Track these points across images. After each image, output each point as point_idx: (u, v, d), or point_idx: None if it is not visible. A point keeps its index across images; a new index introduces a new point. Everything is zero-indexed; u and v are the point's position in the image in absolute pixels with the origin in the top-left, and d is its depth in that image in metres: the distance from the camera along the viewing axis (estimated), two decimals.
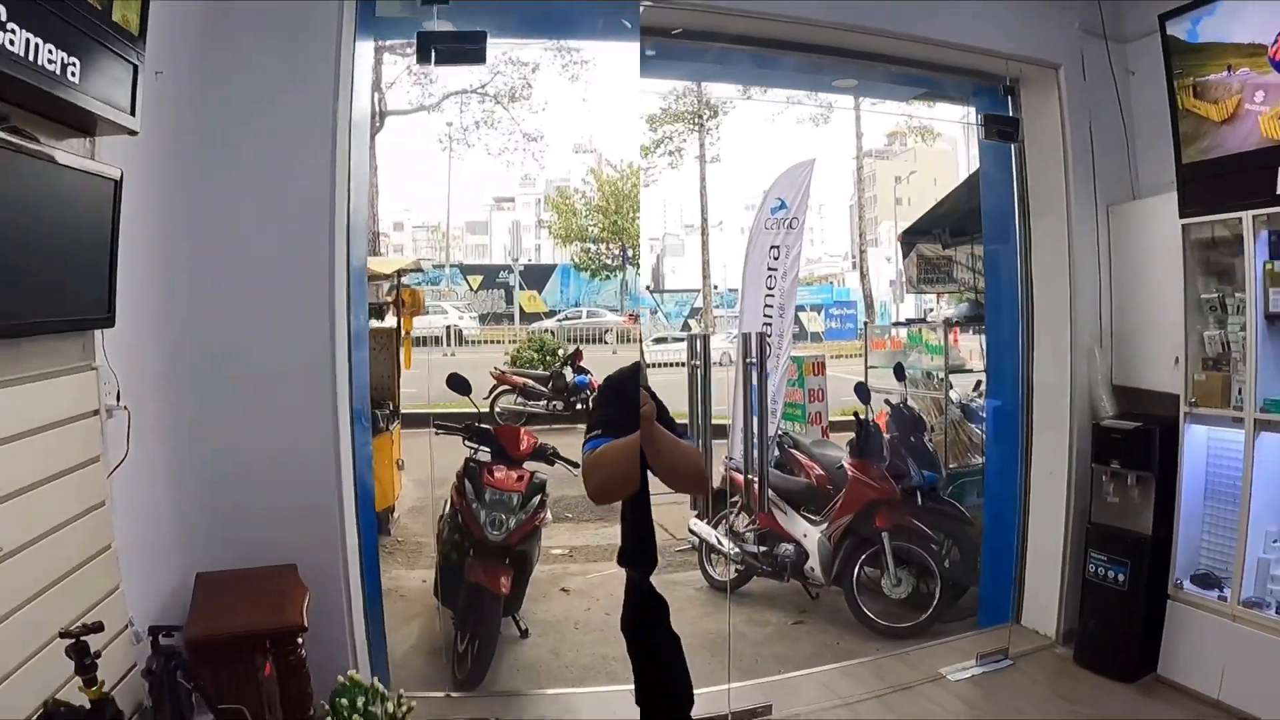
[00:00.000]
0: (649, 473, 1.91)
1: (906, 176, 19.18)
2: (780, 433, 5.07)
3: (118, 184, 1.92)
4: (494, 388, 7.47)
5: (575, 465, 3.56)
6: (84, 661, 1.61)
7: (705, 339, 3.12)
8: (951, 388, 5.27)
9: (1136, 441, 3.18)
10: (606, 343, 12.41)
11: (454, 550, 3.29)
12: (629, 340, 12.51)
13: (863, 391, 4.75)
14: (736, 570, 4.26)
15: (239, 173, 2.50)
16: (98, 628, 1.63)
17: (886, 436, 4.32)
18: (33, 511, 1.73)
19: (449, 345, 11.27)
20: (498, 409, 7.37)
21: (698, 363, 3.01)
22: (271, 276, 2.49)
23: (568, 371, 7.78)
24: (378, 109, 9.89)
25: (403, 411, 5.38)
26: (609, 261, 14.53)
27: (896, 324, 6.76)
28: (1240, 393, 2.97)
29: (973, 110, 4.01)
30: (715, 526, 4.31)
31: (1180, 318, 3.14)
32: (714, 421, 3.52)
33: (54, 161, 1.71)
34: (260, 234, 2.49)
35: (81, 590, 1.88)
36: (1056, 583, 3.50)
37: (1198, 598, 3.07)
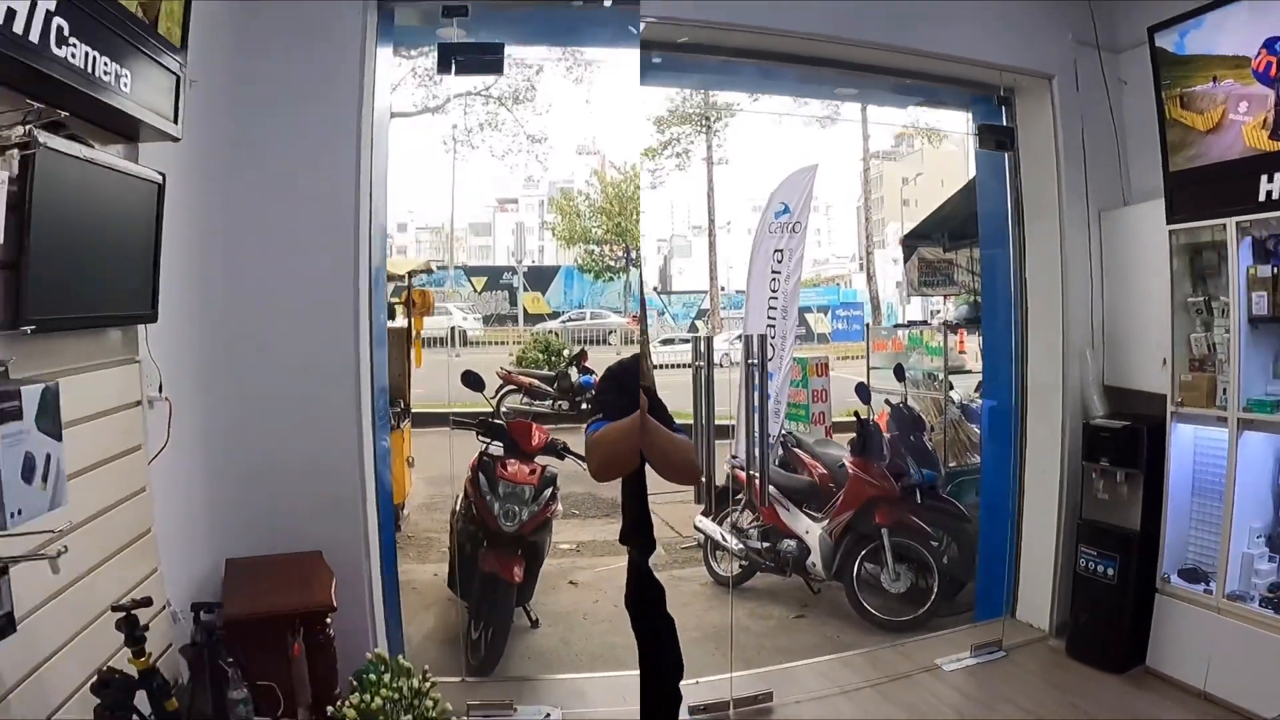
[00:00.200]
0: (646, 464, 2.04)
1: (914, 178, 19.25)
2: (784, 432, 5.20)
3: (160, 186, 2.04)
4: (500, 387, 7.59)
5: (585, 459, 3.68)
6: (134, 634, 1.73)
7: (708, 341, 3.25)
8: (953, 388, 5.39)
9: (1125, 440, 3.30)
10: (610, 344, 12.53)
11: (468, 541, 3.41)
12: (632, 342, 12.63)
13: (863, 392, 4.87)
14: (740, 566, 4.37)
15: (269, 176, 2.63)
16: (146, 602, 1.75)
17: (887, 436, 4.44)
18: (83, 495, 1.84)
19: (453, 346, 11.38)
20: (504, 408, 7.48)
21: (701, 363, 3.13)
22: (300, 277, 2.62)
23: (573, 371, 7.90)
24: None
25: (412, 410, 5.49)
26: (612, 263, 14.64)
27: (898, 326, 6.88)
28: (1225, 393, 3.08)
29: (971, 116, 4.14)
30: (720, 523, 4.43)
31: (1168, 320, 3.26)
32: (719, 422, 3.66)
33: (106, 166, 1.83)
34: (290, 236, 2.61)
35: (124, 571, 2.00)
36: (1049, 577, 3.61)
37: (1184, 591, 3.18)
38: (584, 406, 7.45)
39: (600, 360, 8.12)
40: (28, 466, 1.29)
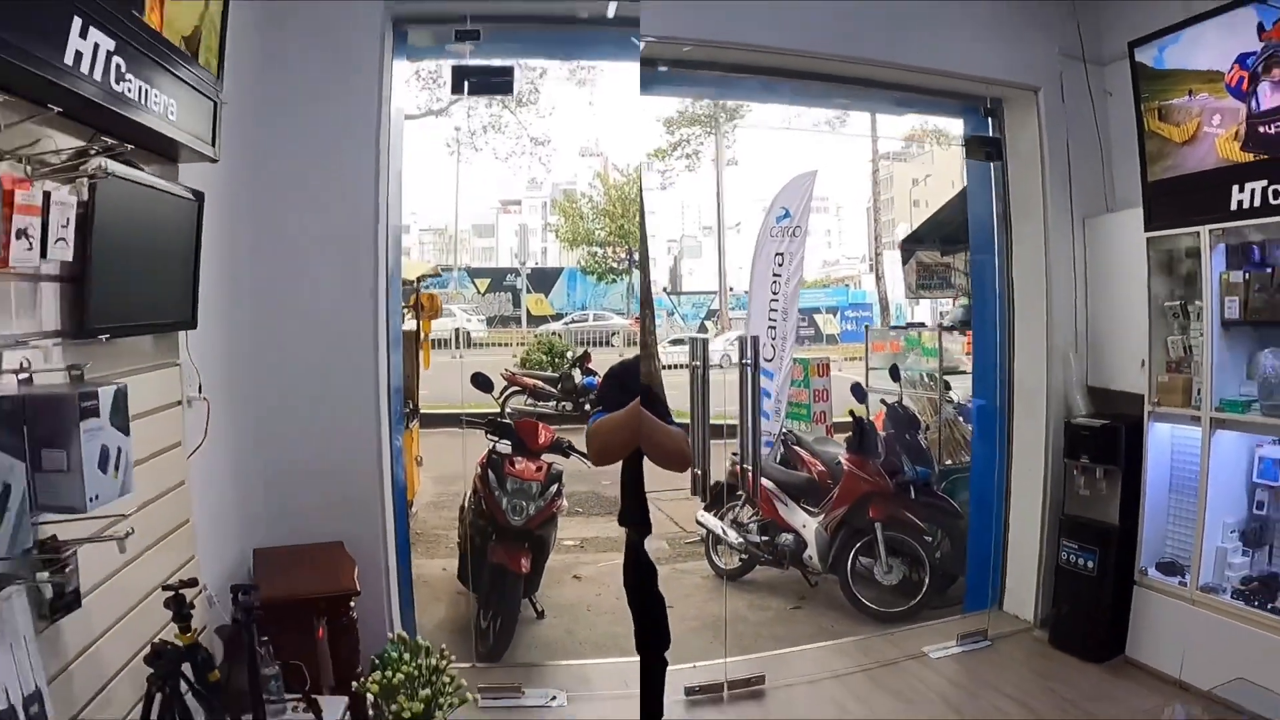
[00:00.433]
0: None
1: (923, 179, 19.34)
2: (785, 430, 5.40)
3: (200, 203, 2.25)
4: (505, 389, 7.78)
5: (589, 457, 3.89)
6: (181, 611, 1.92)
7: (704, 342, 3.43)
8: (950, 389, 5.58)
9: (1104, 438, 3.48)
10: (613, 345, 12.72)
11: (478, 535, 3.61)
12: (635, 343, 12.79)
13: (859, 391, 5.07)
14: (740, 559, 4.58)
15: (292, 190, 2.85)
16: (193, 583, 1.95)
17: (882, 434, 4.63)
18: (136, 486, 2.04)
19: (457, 348, 11.56)
20: (508, 410, 7.69)
21: (698, 363, 3.32)
22: (323, 286, 2.84)
23: (576, 373, 8.10)
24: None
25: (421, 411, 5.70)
26: (615, 265, 14.81)
27: (894, 327, 7.07)
28: (1199, 393, 3.26)
29: (964, 123, 4.32)
30: (721, 519, 4.64)
31: (1146, 324, 3.45)
32: (720, 422, 3.85)
33: (154, 187, 2.03)
34: (314, 247, 2.83)
35: (167, 557, 2.20)
36: (1034, 570, 3.80)
37: (1161, 583, 3.36)
38: (587, 407, 7.65)
39: (603, 361, 8.33)
40: (103, 457, 1.49)
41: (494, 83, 2.81)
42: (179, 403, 2.28)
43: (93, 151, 1.70)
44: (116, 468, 1.53)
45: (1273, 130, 2.99)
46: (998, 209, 4.02)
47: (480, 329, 13.72)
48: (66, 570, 1.58)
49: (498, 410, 4.03)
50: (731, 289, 15.62)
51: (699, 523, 4.73)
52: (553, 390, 7.88)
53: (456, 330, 11.84)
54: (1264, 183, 3.01)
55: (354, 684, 2.31)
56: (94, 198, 1.75)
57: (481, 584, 3.51)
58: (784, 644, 3.70)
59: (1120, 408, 3.66)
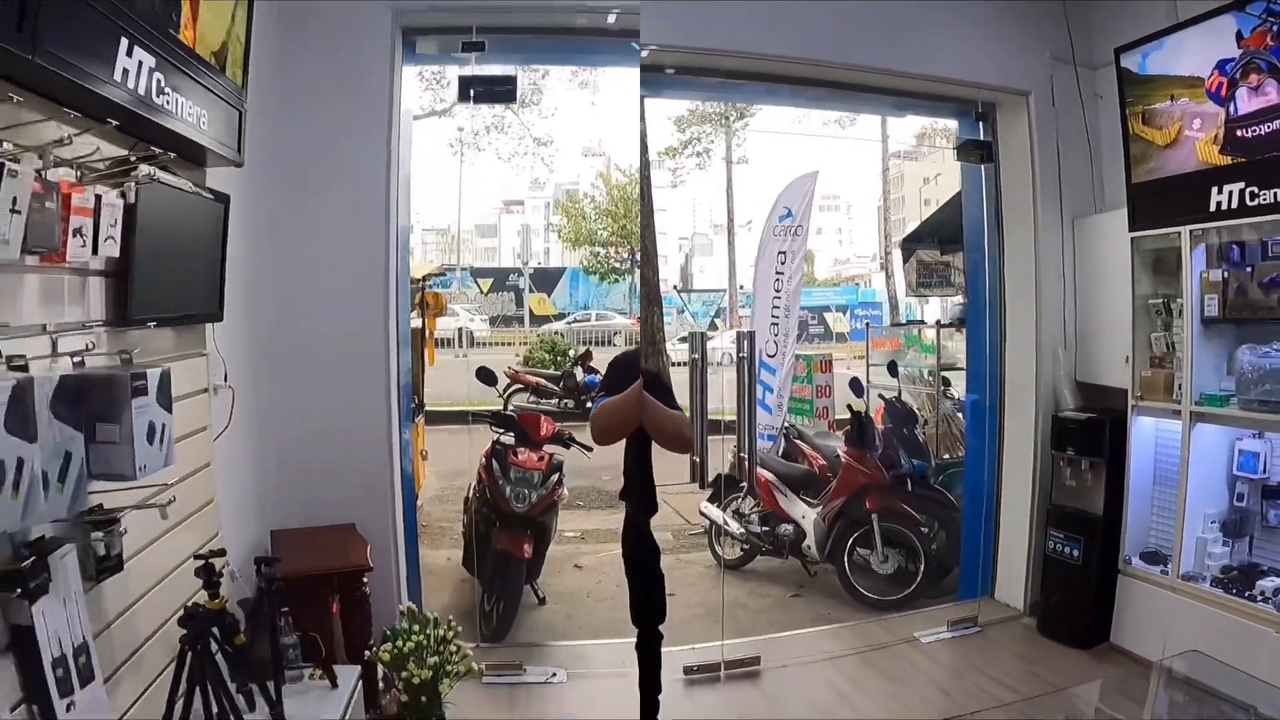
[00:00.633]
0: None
1: (934, 178, 19.45)
2: (787, 424, 5.62)
3: (226, 205, 2.46)
4: (508, 386, 8.01)
5: (589, 449, 4.11)
6: (210, 579, 2.13)
7: (703, 337, 3.63)
8: (949, 385, 5.77)
9: (1089, 431, 3.66)
10: (615, 344, 12.93)
11: (482, 522, 3.83)
12: (636, 342, 12.98)
13: (857, 386, 5.28)
14: (742, 549, 4.81)
15: (308, 191, 3.06)
16: (221, 553, 2.16)
17: (880, 428, 4.83)
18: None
19: (460, 347, 11.78)
20: (511, 407, 7.91)
21: (696, 356, 3.52)
22: (339, 284, 3.06)
23: (578, 371, 8.32)
24: None
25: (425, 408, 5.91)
26: (618, 265, 15.01)
27: (895, 325, 7.27)
28: (1180, 388, 3.44)
29: (959, 125, 4.50)
30: (724, 510, 4.85)
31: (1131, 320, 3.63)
32: (719, 418, 4.05)
33: (186, 190, 2.25)
34: (329, 247, 3.05)
35: (194, 533, 2.41)
36: (1024, 559, 3.99)
37: (1144, 572, 3.54)
38: (588, 405, 7.86)
39: (605, 360, 8.55)
40: (150, 432, 1.70)
41: (498, 91, 3.03)
42: (205, 390, 2.50)
43: (133, 159, 1.92)
44: (161, 441, 1.74)
45: (1249, 134, 3.16)
46: (991, 210, 4.21)
47: (483, 328, 13.94)
48: (116, 534, 1.79)
49: (501, 407, 4.26)
50: (742, 287, 15.77)
51: (702, 513, 4.95)
52: (555, 388, 8.10)
53: (460, 329, 12.07)
54: (1241, 185, 3.18)
55: (366, 653, 2.52)
56: (136, 200, 1.97)
57: (485, 569, 3.73)
58: (782, 630, 3.91)
59: (1108, 402, 3.84)
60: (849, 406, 4.92)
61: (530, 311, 15.43)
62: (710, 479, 4.61)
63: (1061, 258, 4.04)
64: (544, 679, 3.21)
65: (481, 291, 15.93)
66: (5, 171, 1.42)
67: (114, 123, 1.77)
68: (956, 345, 5.95)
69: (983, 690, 3.24)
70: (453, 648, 2.54)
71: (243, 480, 2.84)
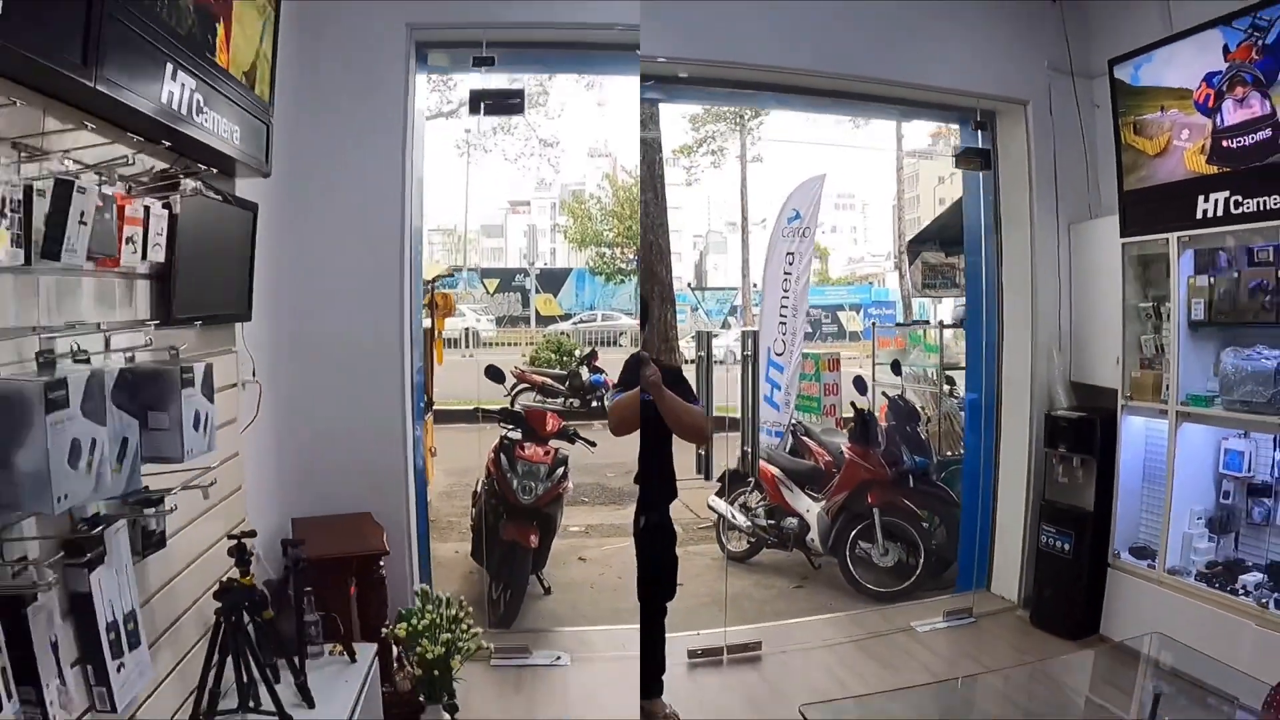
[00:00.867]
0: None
1: (949, 177, 19.49)
2: (794, 421, 5.83)
3: (255, 212, 2.70)
4: (514, 385, 8.24)
5: (593, 444, 4.35)
6: (242, 557, 2.36)
7: (709, 335, 3.85)
8: (953, 384, 5.96)
9: (1081, 429, 3.85)
10: (621, 345, 13.13)
11: (490, 514, 4.07)
12: (639, 343, 13.14)
13: (860, 384, 5.49)
14: (748, 542, 5.04)
15: (329, 198, 3.29)
16: (253, 534, 2.39)
17: (884, 425, 5.03)
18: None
19: (467, 347, 12.00)
20: (517, 406, 8.14)
21: (702, 354, 3.73)
22: (355, 287, 3.31)
23: (584, 371, 8.54)
24: None
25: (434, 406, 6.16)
26: (624, 265, 15.19)
27: (899, 324, 7.46)
28: (1168, 388, 3.62)
29: (960, 130, 4.68)
30: (731, 504, 5.06)
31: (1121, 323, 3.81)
32: (724, 414, 4.26)
33: (221, 198, 2.48)
34: (346, 251, 3.29)
35: (225, 518, 2.65)
36: (1019, 553, 4.18)
37: (1132, 566, 3.72)
38: (594, 405, 8.09)
39: (609, 360, 8.77)
40: (196, 420, 1.93)
41: (507, 104, 3.27)
42: (235, 385, 2.73)
43: (179, 173, 2.15)
44: (205, 428, 1.97)
45: (1235, 145, 3.34)
46: (989, 215, 4.39)
47: (490, 328, 14.16)
48: (162, 513, 2.02)
49: (508, 405, 4.52)
50: (756, 285, 15.91)
51: (710, 506, 5.17)
52: (561, 387, 8.33)
53: (466, 329, 12.29)
54: (1226, 193, 3.36)
55: (383, 631, 2.75)
56: (179, 210, 2.20)
57: (494, 558, 3.96)
58: (784, 618, 4.12)
59: (1100, 402, 4.02)
60: (852, 404, 5.13)
61: (536, 312, 15.61)
62: (719, 474, 4.85)
63: (1057, 261, 4.22)
64: (549, 661, 3.44)
65: (488, 292, 16.13)
66: (75, 189, 1.65)
67: (166, 143, 2.00)
68: (960, 345, 6.14)
69: None
70: (463, 626, 2.77)
71: (267, 470, 3.07)
